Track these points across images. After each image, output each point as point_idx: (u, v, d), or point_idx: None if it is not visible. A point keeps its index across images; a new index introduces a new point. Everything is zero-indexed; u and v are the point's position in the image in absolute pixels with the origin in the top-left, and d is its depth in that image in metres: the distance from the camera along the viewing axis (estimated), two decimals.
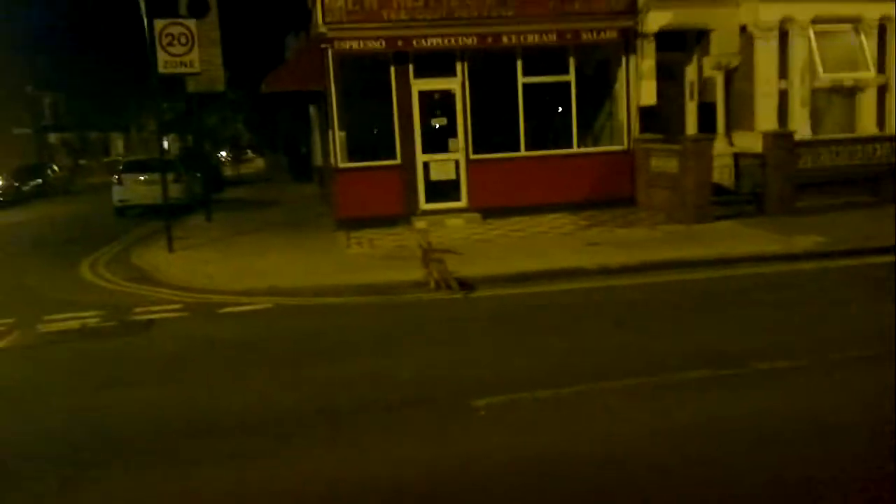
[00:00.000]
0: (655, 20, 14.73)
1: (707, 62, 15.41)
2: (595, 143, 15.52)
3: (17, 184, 29.86)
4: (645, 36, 14.80)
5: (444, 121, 14.71)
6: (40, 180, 32.85)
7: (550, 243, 11.85)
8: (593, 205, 14.49)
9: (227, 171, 35.87)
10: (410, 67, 14.34)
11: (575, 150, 15.05)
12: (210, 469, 4.72)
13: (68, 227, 19.59)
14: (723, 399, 5.32)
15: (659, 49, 14.95)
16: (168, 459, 4.87)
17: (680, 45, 15.60)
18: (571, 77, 14.89)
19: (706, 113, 15.74)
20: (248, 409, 5.68)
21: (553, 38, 14.35)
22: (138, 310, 9.22)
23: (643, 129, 14.95)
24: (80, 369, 7.16)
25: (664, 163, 13.55)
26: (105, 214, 21.03)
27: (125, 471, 4.79)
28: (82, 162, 48.24)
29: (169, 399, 6.02)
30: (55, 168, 37.65)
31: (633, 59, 14.97)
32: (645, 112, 15.03)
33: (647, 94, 14.97)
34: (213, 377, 6.60)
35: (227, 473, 4.64)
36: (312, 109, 24.90)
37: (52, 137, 48.42)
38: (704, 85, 15.73)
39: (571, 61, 14.84)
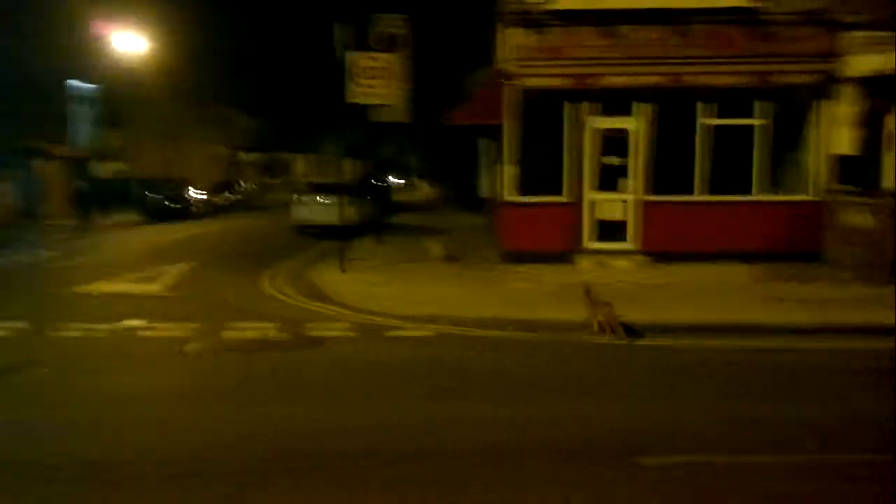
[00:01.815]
0: (860, 65, 13.67)
1: None
2: (778, 191, 14.60)
3: (212, 198, 32.68)
4: (846, 81, 13.80)
5: (616, 160, 14.41)
6: (231, 195, 35.78)
7: (725, 294, 11.25)
8: (772, 257, 13.57)
9: (398, 197, 37.24)
10: (586, 105, 14.24)
11: (755, 197, 14.24)
12: (378, 494, 4.78)
13: (253, 241, 21.10)
14: None
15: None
16: (334, 481, 4.98)
17: (881, 91, 14.37)
18: (756, 120, 14.14)
19: None
20: (412, 438, 5.77)
21: (743, 79, 13.73)
22: (310, 325, 9.69)
23: (834, 179, 13.88)
24: (257, 379, 7.59)
25: (858, 217, 12.50)
26: (285, 230, 22.48)
27: (290, 488, 4.87)
28: (268, 180, 52.09)
29: (338, 418, 6.21)
30: (243, 184, 41.01)
31: (827, 105, 13.99)
32: (836, 162, 13.95)
33: (844, 142, 13.89)
34: (380, 401, 6.74)
35: (394, 500, 4.67)
36: (483, 141, 25.35)
37: (244, 156, 52.63)
38: None
39: (757, 104, 14.11)
